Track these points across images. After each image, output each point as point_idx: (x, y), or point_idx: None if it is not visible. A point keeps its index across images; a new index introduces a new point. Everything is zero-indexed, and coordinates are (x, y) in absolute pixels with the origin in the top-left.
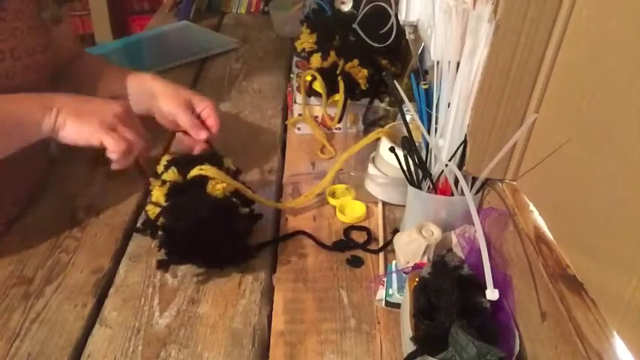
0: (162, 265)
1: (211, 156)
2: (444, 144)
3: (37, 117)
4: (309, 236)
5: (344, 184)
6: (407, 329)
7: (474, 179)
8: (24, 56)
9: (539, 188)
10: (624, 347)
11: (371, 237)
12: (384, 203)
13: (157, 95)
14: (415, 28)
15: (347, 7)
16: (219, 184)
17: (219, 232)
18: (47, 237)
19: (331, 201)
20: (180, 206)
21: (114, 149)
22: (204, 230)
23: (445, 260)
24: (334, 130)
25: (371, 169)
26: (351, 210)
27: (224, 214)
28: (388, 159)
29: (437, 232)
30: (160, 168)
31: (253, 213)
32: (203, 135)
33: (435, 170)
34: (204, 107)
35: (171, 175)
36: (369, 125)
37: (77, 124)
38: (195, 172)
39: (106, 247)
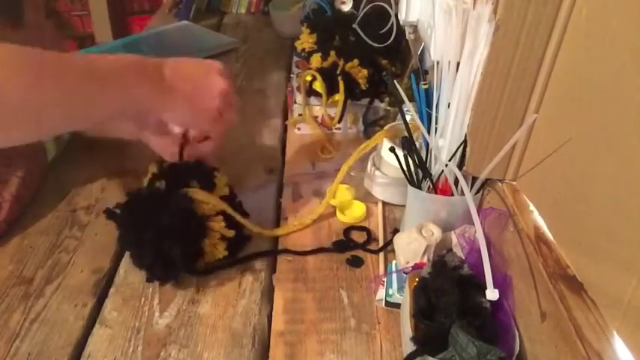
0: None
1: (205, 173)
2: (444, 144)
3: (144, 94)
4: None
5: (344, 185)
6: (407, 329)
7: (474, 179)
8: None
9: (539, 188)
10: (624, 347)
11: (371, 237)
12: (384, 203)
13: None
14: (415, 28)
15: (347, 7)
16: (205, 206)
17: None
18: (47, 237)
19: (331, 201)
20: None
21: (217, 138)
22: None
23: (445, 260)
24: (334, 130)
25: (371, 168)
26: (351, 210)
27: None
28: (388, 159)
29: (437, 232)
30: (148, 175)
31: (241, 234)
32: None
33: (435, 170)
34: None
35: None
36: (369, 125)
37: (187, 112)
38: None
39: (106, 247)
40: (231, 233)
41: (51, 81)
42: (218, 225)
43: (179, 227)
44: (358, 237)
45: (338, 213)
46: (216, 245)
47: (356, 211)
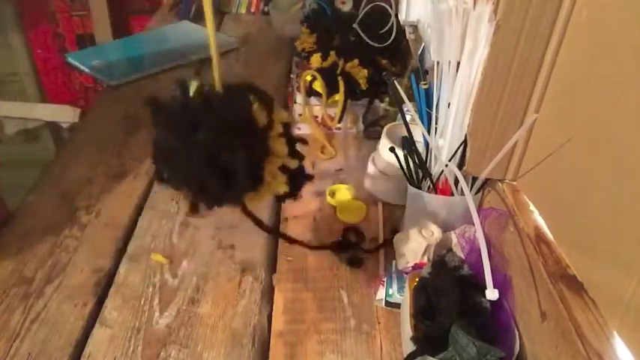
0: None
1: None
2: (444, 144)
3: None
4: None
5: (344, 184)
6: (407, 329)
7: (474, 179)
8: None
9: (539, 188)
10: (624, 347)
11: (371, 237)
12: (384, 203)
13: None
14: (415, 28)
15: (347, 7)
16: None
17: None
18: (47, 237)
19: (331, 201)
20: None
21: None
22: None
23: (445, 260)
24: (334, 130)
25: (371, 168)
26: (351, 210)
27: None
28: (388, 159)
29: (437, 232)
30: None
31: (303, 169)
32: None
33: (435, 170)
34: None
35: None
36: (369, 125)
37: None
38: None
39: (106, 247)
40: (294, 163)
41: None
42: (281, 148)
43: (241, 131)
44: (358, 237)
45: (338, 213)
46: (276, 175)
47: (356, 211)
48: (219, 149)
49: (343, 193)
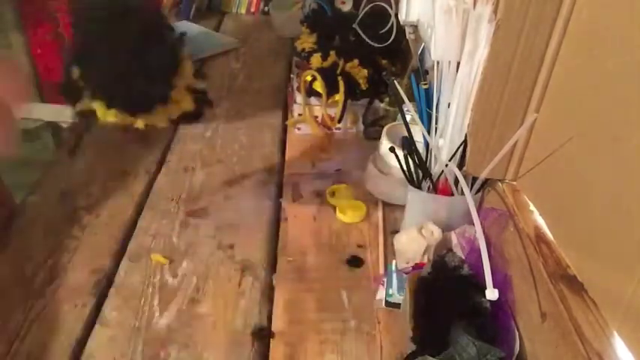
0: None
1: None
2: (444, 144)
3: None
4: None
5: (344, 184)
6: (407, 329)
7: (474, 179)
8: None
9: (539, 188)
10: (624, 347)
11: (371, 237)
12: (384, 203)
13: None
14: (415, 28)
15: (347, 7)
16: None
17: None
18: (47, 237)
19: (331, 201)
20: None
21: None
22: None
23: (445, 260)
24: (334, 130)
25: (371, 168)
26: (351, 210)
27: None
28: (388, 159)
29: (437, 232)
30: None
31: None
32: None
33: (435, 170)
34: None
35: None
36: (369, 125)
37: None
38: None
39: (106, 247)
40: (200, 84)
41: None
42: (188, 68)
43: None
44: (358, 237)
45: (338, 213)
46: (184, 94)
47: (356, 211)
48: (143, 47)
49: (343, 193)
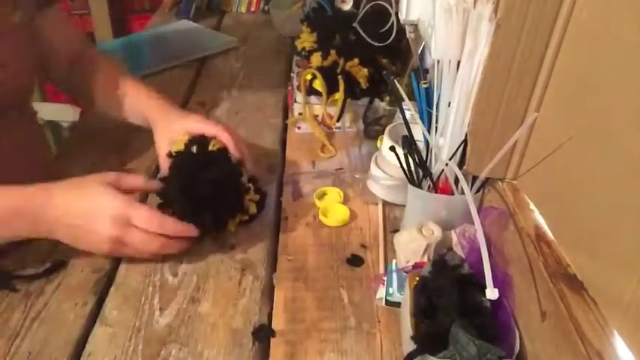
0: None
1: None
2: (444, 143)
3: (28, 235)
4: None
5: (336, 188)
6: (407, 328)
7: (474, 178)
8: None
9: (539, 187)
10: (625, 346)
11: (371, 237)
12: (385, 202)
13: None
14: (415, 27)
15: (347, 6)
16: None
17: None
18: None
19: (317, 202)
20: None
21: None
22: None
23: (445, 259)
24: (334, 129)
25: (373, 169)
26: (334, 213)
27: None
28: (390, 159)
29: (437, 231)
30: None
31: (260, 190)
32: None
33: (435, 169)
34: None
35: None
36: (369, 124)
37: (78, 246)
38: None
39: None
40: (257, 197)
41: None
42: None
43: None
44: (357, 237)
45: (320, 216)
46: (248, 206)
47: (338, 215)
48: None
49: (332, 196)
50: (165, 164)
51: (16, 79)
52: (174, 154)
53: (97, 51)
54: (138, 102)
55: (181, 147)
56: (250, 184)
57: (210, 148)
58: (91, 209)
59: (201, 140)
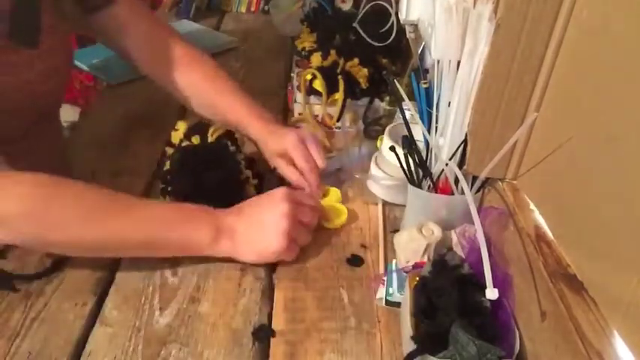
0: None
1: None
2: (444, 143)
3: (203, 245)
4: None
5: (335, 188)
6: (407, 328)
7: (474, 178)
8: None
9: (539, 187)
10: (625, 346)
11: (371, 236)
12: (385, 202)
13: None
14: (415, 27)
15: (347, 6)
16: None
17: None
18: None
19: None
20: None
21: (290, 259)
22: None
23: (445, 259)
24: (334, 129)
25: (373, 169)
26: (334, 214)
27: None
28: (390, 159)
29: (437, 231)
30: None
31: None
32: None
33: (435, 169)
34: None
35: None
36: (369, 124)
37: (251, 254)
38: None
39: None
40: (255, 181)
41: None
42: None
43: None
44: (357, 237)
45: None
46: (250, 188)
47: (336, 217)
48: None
49: (331, 197)
50: (286, 171)
51: (66, 82)
52: (175, 145)
53: (185, 45)
54: (235, 111)
55: (181, 136)
56: (249, 171)
57: (209, 135)
58: (267, 212)
59: (201, 129)
